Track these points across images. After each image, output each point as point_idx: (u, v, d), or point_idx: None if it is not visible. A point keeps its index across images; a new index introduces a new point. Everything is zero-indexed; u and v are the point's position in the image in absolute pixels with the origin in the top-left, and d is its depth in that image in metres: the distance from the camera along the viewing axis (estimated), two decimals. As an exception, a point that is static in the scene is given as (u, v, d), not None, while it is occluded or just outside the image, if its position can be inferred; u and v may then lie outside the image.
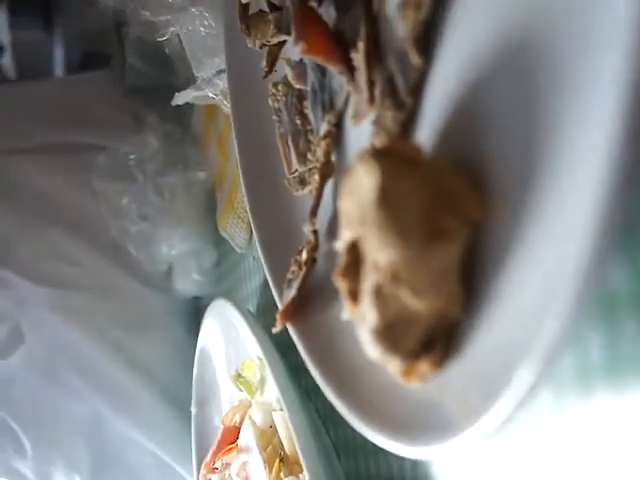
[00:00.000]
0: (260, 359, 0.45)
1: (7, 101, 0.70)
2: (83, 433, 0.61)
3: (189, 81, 0.57)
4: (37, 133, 0.65)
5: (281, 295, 0.33)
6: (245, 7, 0.36)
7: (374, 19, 0.27)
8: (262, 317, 0.47)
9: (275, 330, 0.31)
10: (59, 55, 1.20)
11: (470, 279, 0.21)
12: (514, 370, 0.16)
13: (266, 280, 0.50)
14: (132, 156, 0.56)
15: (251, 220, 0.38)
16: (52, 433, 0.61)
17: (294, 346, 0.32)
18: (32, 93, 0.72)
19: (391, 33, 0.26)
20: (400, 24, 0.24)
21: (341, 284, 0.23)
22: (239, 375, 0.49)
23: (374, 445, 0.24)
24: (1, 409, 0.60)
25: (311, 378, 0.33)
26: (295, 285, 0.31)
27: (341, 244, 0.23)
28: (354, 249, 0.23)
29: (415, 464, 0.29)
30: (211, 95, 0.46)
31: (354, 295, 0.23)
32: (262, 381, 0.45)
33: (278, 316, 0.31)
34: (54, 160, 0.64)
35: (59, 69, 1.21)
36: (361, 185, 0.22)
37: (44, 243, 0.60)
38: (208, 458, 0.48)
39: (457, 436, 0.19)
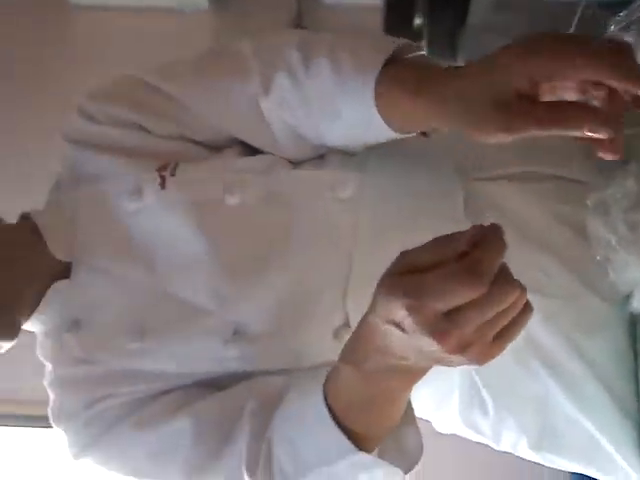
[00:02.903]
0: None
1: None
2: (535, 406, 0.78)
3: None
4: (514, 163, 0.79)
5: None
6: None
7: None
8: None
9: None
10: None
11: None
12: None
13: None
14: (618, 195, 0.70)
15: None
16: (510, 401, 0.79)
17: None
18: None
19: None
20: None
21: None
22: None
23: None
24: (479, 378, 0.78)
25: None
26: None
27: None
28: None
29: None
30: None
31: None
32: None
33: None
34: (527, 187, 0.78)
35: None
36: None
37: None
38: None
39: None
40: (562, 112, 0.51)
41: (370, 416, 0.59)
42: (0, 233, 0.76)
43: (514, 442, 0.80)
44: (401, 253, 0.49)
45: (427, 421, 0.88)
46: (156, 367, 0.73)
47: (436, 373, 0.78)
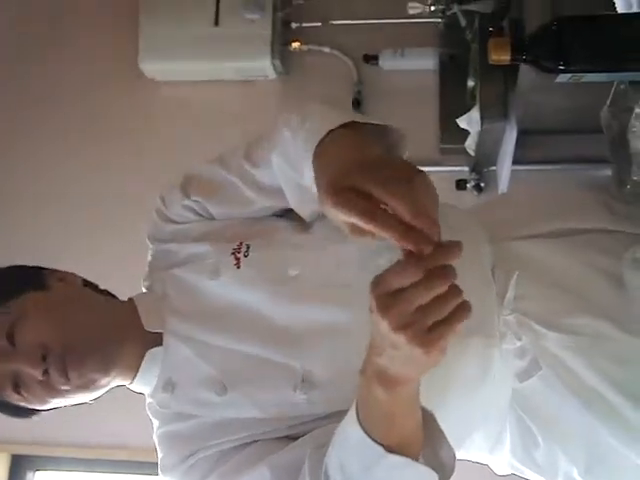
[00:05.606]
0: None
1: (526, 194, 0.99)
2: (580, 437, 0.86)
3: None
4: (549, 222, 0.90)
5: None
6: None
7: None
8: None
9: None
10: (510, 137, 1.49)
11: None
12: None
13: None
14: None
15: None
16: (556, 433, 0.86)
17: None
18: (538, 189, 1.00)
19: None
20: None
21: None
22: None
23: None
24: (524, 413, 0.88)
25: None
26: None
27: None
28: None
29: None
30: None
31: None
32: None
33: None
34: (563, 242, 0.88)
35: (509, 149, 1.50)
36: None
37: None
38: None
39: None
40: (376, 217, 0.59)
41: (387, 427, 0.69)
42: (110, 305, 0.95)
43: (568, 472, 0.88)
44: None
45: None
46: (241, 415, 0.85)
47: (486, 416, 0.88)
